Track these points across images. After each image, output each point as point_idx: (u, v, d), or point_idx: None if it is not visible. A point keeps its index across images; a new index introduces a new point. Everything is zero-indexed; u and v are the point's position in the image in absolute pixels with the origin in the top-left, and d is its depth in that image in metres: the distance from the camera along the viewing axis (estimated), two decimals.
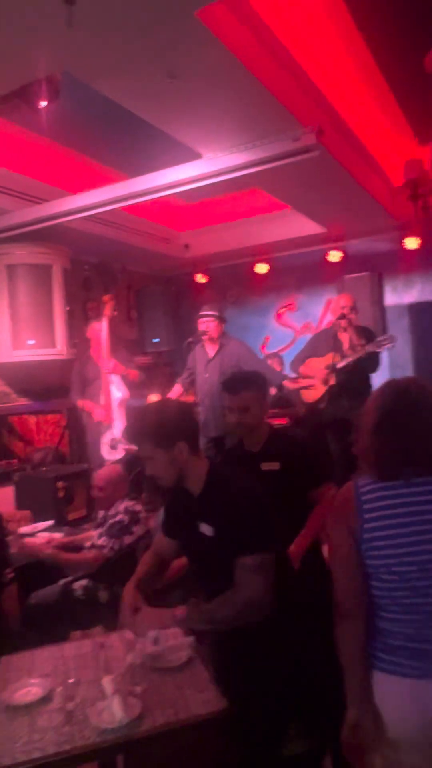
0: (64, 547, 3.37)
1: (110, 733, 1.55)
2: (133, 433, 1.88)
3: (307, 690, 1.87)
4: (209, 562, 1.86)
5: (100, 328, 4.87)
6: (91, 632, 2.64)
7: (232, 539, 1.75)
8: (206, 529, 1.81)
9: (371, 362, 4.35)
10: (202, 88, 2.81)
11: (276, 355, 6.19)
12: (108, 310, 4.78)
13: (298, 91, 3.27)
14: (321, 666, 1.75)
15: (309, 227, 5.67)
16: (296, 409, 5.16)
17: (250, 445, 2.51)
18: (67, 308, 4.96)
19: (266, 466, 2.36)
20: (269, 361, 5.68)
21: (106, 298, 4.85)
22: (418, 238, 5.74)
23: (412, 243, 5.79)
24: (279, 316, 6.87)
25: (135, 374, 4.97)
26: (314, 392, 4.61)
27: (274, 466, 2.36)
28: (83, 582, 3.17)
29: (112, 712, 1.61)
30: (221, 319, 4.61)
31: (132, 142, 4.14)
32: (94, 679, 1.80)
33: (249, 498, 1.84)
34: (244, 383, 2.49)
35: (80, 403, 4.99)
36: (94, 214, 4.20)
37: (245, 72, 2.70)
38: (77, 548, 3.34)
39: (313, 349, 4.67)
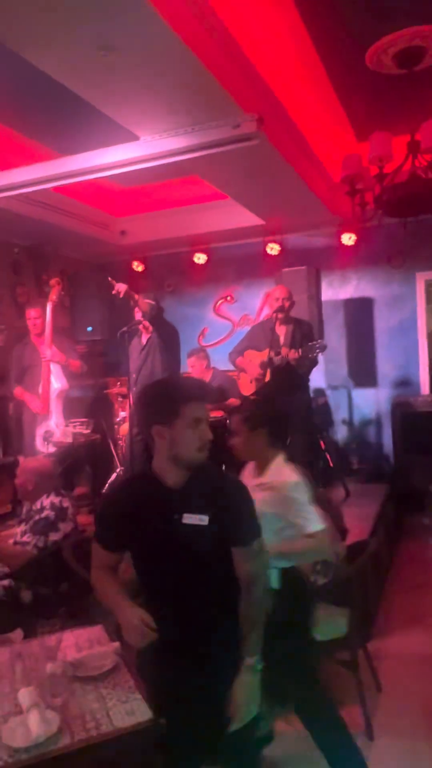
0: None
1: (23, 752, 1.44)
2: (212, 388, 1.85)
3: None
4: (196, 553, 1.72)
5: (38, 315, 4.62)
6: (9, 637, 2.49)
7: (231, 528, 1.72)
8: (194, 518, 1.70)
9: (305, 365, 4.36)
10: (139, 64, 2.68)
11: (201, 350, 5.55)
12: (54, 294, 4.53)
13: (240, 77, 3.19)
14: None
15: (248, 218, 5.63)
16: (231, 402, 5.12)
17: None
18: None
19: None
20: (194, 358, 5.35)
21: (53, 281, 4.60)
22: (354, 235, 5.83)
23: (348, 239, 5.88)
24: (217, 307, 6.82)
25: (76, 364, 4.72)
26: (251, 385, 4.58)
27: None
28: (4, 582, 2.99)
29: (28, 728, 1.49)
30: (158, 308, 4.48)
31: (66, 119, 3.92)
32: (10, 692, 1.68)
33: (241, 486, 1.83)
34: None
35: (17, 391, 4.74)
36: (25, 193, 3.99)
37: (185, 50, 2.59)
38: None
39: (251, 342, 4.64)
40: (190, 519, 1.68)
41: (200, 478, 1.74)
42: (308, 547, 2.23)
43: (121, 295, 4.06)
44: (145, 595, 1.81)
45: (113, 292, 4.07)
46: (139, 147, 3.41)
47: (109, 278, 4.18)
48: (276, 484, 2.25)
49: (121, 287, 4.07)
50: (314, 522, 2.19)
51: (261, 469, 2.35)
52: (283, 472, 2.29)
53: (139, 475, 1.96)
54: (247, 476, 2.41)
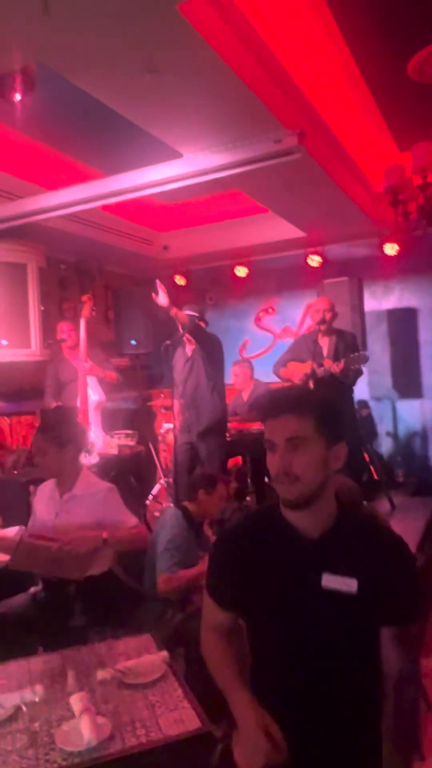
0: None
1: (77, 756, 1.47)
2: (296, 399, 1.32)
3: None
4: (335, 630, 1.29)
5: (73, 328, 4.76)
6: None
7: (386, 599, 1.27)
8: (338, 582, 1.27)
9: (350, 376, 4.32)
10: (183, 84, 2.75)
11: (246, 361, 5.78)
12: (86, 310, 4.68)
13: (281, 93, 3.23)
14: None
15: (289, 231, 5.64)
16: None
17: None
18: (42, 308, 4.85)
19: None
20: (238, 367, 5.50)
21: (84, 298, 4.74)
22: (397, 245, 5.77)
23: (391, 249, 5.82)
24: (258, 319, 6.84)
25: (113, 376, 4.84)
26: None
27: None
28: None
29: (80, 733, 1.53)
30: (202, 320, 4.54)
31: (112, 140, 4.05)
32: (62, 697, 1.72)
33: (401, 543, 1.34)
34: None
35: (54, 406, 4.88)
36: (72, 212, 4.11)
37: (227, 69, 2.64)
38: None
39: (294, 353, 4.64)
40: (332, 582, 1.27)
41: (347, 526, 1.33)
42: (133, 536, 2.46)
43: (166, 305, 4.14)
44: (256, 680, 1.38)
45: (158, 302, 4.16)
46: (182, 164, 3.48)
47: (153, 294, 4.27)
48: (91, 491, 2.53)
49: (163, 299, 4.15)
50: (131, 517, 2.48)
51: (69, 483, 2.56)
52: (92, 481, 2.59)
53: (267, 511, 1.43)
54: (51, 493, 2.61)
